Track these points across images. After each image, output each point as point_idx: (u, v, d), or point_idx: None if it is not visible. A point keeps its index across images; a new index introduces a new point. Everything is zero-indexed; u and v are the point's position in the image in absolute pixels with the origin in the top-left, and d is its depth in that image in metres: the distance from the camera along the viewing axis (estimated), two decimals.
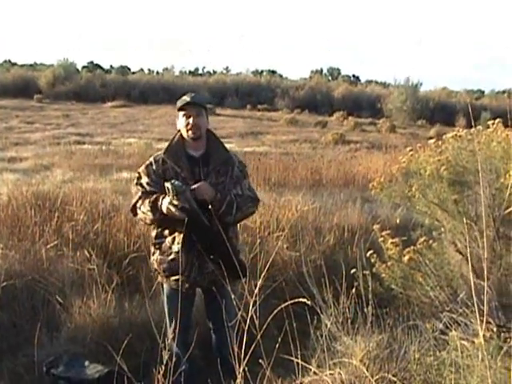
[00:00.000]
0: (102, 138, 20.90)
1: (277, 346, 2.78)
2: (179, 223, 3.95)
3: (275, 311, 2.68)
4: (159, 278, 4.39)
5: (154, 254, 4.30)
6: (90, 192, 8.13)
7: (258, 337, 2.46)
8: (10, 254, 5.70)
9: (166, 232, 4.18)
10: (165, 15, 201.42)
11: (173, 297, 4.20)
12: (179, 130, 4.31)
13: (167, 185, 3.85)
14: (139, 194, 4.17)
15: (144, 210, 4.07)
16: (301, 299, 2.57)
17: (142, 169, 4.28)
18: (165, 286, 4.36)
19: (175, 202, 3.84)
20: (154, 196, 4.04)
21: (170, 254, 4.14)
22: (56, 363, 4.20)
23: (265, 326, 2.53)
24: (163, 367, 2.87)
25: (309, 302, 2.65)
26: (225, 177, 4.21)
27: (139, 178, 4.25)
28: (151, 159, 4.29)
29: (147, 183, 4.19)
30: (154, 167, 4.21)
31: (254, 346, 2.50)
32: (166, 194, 3.95)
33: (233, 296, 3.20)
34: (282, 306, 2.68)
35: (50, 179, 11.17)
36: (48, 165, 13.74)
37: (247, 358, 2.47)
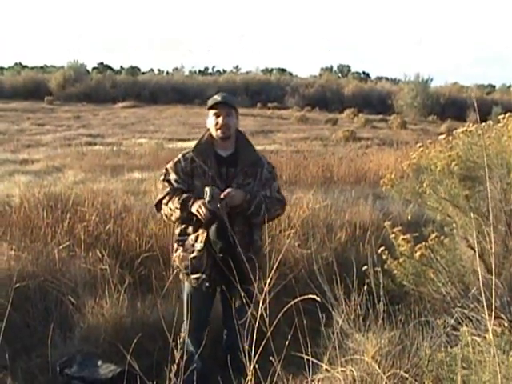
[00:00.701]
0: (113, 139, 20.93)
1: (287, 343, 2.78)
2: (203, 223, 4.01)
3: (285, 308, 2.68)
4: (180, 276, 4.40)
5: (176, 250, 4.32)
6: (102, 193, 8.14)
7: (268, 334, 2.47)
8: (23, 256, 5.72)
9: (190, 229, 4.19)
10: (172, 14, 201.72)
11: (193, 295, 4.23)
12: (208, 129, 4.31)
13: (207, 189, 3.91)
14: (167, 190, 4.19)
15: (172, 207, 4.09)
16: (311, 296, 2.57)
17: (170, 165, 4.29)
18: (186, 283, 4.35)
19: (208, 206, 3.90)
20: (185, 195, 4.07)
21: (193, 251, 4.16)
22: (69, 363, 4.22)
23: (275, 324, 2.54)
24: (175, 366, 2.88)
25: (319, 299, 2.64)
26: (252, 178, 4.22)
27: (167, 174, 4.27)
28: (180, 156, 4.29)
29: (175, 180, 4.20)
30: (183, 164, 4.22)
31: (264, 343, 2.50)
32: (195, 194, 4.03)
33: (242, 294, 3.20)
34: (292, 302, 2.68)
35: (61, 180, 11.19)
36: (59, 166, 13.77)
37: (258, 355, 2.48)
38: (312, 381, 2.80)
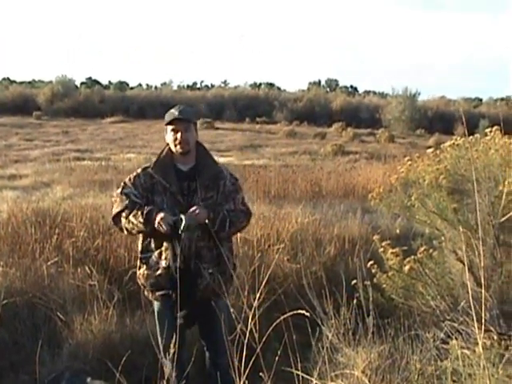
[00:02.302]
0: (101, 154, 20.90)
1: (277, 358, 2.77)
2: (167, 237, 3.97)
3: (275, 323, 2.67)
4: (145, 293, 4.33)
5: (139, 268, 4.24)
6: (90, 208, 8.10)
7: (258, 349, 2.46)
8: (11, 272, 5.69)
9: (152, 246, 4.12)
10: (160, 26, 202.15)
11: (163, 313, 4.16)
12: (168, 144, 4.25)
13: (182, 217, 3.85)
14: (125, 202, 4.08)
15: (135, 221, 3.98)
16: (300, 311, 2.56)
17: (128, 179, 4.20)
18: (155, 303, 4.30)
19: (179, 232, 3.86)
20: (148, 208, 3.97)
21: (158, 269, 4.09)
22: (58, 380, 4.19)
23: (265, 339, 2.53)
24: (165, 382, 2.87)
25: (308, 314, 2.63)
26: (214, 192, 4.15)
27: (125, 187, 4.17)
28: (139, 171, 4.23)
29: (134, 195, 4.11)
30: (142, 180, 4.15)
31: (254, 358, 2.49)
32: (155, 208, 3.97)
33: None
34: (282, 318, 2.67)
35: (49, 196, 11.15)
36: (48, 181, 13.74)
37: (247, 371, 2.47)
38: None
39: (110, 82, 69.16)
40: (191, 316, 4.11)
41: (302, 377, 2.73)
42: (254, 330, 2.48)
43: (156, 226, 3.90)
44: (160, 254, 4.09)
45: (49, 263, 5.88)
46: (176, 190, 4.08)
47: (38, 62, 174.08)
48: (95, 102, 45.13)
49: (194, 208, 3.95)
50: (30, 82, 64.51)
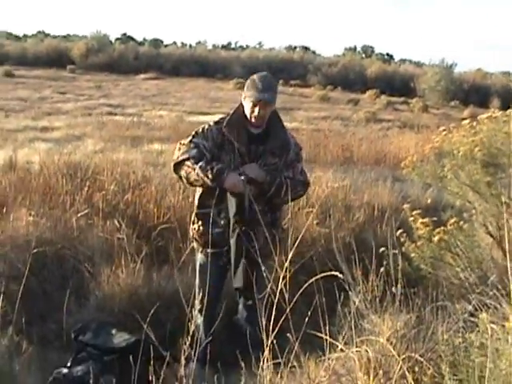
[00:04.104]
0: (133, 110, 20.94)
1: (306, 321, 2.77)
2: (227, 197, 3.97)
3: (305, 285, 2.67)
4: (195, 245, 4.34)
5: (194, 223, 4.23)
6: (121, 163, 8.16)
7: (288, 310, 2.46)
8: (41, 222, 5.74)
9: (211, 202, 4.01)
10: None
11: (207, 268, 4.08)
12: (241, 104, 4.14)
13: (233, 201, 3.93)
14: (193, 152, 4.01)
15: (201, 175, 3.90)
16: (331, 273, 2.55)
17: (201, 130, 4.12)
18: (199, 255, 4.30)
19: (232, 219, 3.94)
20: (218, 167, 3.90)
21: (216, 226, 4.09)
22: (84, 330, 4.23)
23: (294, 301, 2.53)
24: (189, 338, 2.88)
25: (340, 275, 2.62)
26: (279, 159, 4.12)
27: (195, 136, 4.10)
28: (211, 124, 4.15)
29: (204, 146, 4.03)
30: (214, 135, 4.08)
31: (282, 320, 2.50)
32: (226, 166, 3.96)
33: (263, 268, 3.17)
34: (312, 279, 2.67)
35: (81, 149, 11.26)
36: (80, 135, 13.84)
37: (275, 331, 2.47)
38: (327, 360, 2.80)
39: (144, 38, 69.14)
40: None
41: (328, 341, 2.74)
42: (284, 291, 2.48)
43: (227, 186, 3.89)
44: (219, 212, 4.07)
45: (79, 215, 5.92)
46: (244, 151, 4.05)
47: (73, 17, 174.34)
48: (129, 58, 45.00)
49: (250, 165, 3.99)
50: (64, 36, 64.59)
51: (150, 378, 2.95)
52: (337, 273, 2.57)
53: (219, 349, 4.12)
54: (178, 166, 4.07)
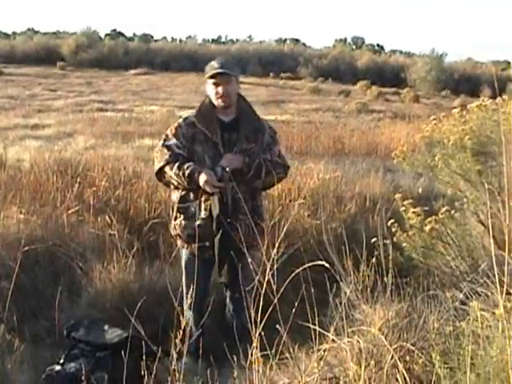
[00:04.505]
0: (124, 106, 20.93)
1: (294, 311, 2.76)
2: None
3: (293, 275, 2.66)
4: (179, 243, 4.34)
5: (176, 218, 4.23)
6: (112, 159, 8.16)
7: (275, 301, 2.45)
8: (32, 219, 5.73)
9: (191, 196, 4.10)
10: None
11: (192, 263, 4.06)
12: (208, 95, 4.22)
13: (215, 199, 3.94)
14: (166, 157, 4.06)
15: (179, 181, 4.00)
16: (319, 262, 2.54)
17: (170, 131, 4.19)
18: (184, 251, 4.30)
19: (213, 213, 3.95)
20: (191, 167, 3.95)
21: (197, 219, 4.08)
22: (76, 327, 4.21)
23: (282, 291, 2.52)
24: (181, 332, 2.87)
25: (327, 265, 2.61)
26: (254, 144, 4.14)
27: (166, 139, 4.15)
28: (180, 121, 4.22)
29: (176, 145, 4.09)
30: (184, 130, 4.13)
31: (271, 311, 2.49)
32: (195, 160, 4.00)
33: (249, 260, 3.16)
34: (300, 269, 2.66)
35: (72, 146, 11.23)
36: (71, 132, 13.79)
37: (263, 322, 2.47)
38: (318, 350, 2.79)
39: (134, 34, 68.85)
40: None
41: (319, 331, 2.73)
42: (272, 282, 2.47)
43: (202, 185, 3.91)
44: (200, 205, 4.08)
45: (69, 212, 5.89)
46: (217, 140, 4.06)
47: (62, 13, 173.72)
48: (119, 53, 44.92)
49: (227, 157, 3.99)
50: (54, 33, 64.24)
51: (142, 373, 2.94)
52: (323, 262, 2.55)
53: (211, 342, 4.10)
54: (160, 174, 4.14)
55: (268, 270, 2.48)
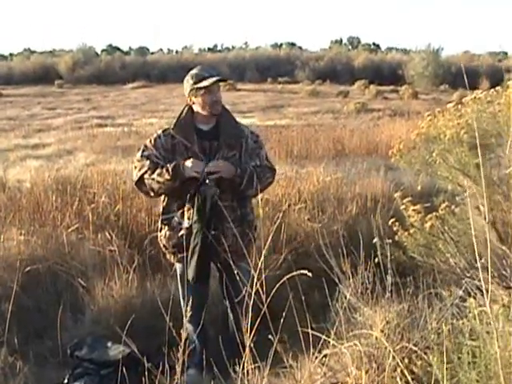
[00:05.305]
0: (123, 120, 20.90)
1: (287, 318, 2.74)
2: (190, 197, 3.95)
3: (280, 282, 2.63)
4: (167, 256, 4.34)
5: (161, 230, 4.23)
6: (111, 174, 8.12)
7: (264, 307, 2.43)
8: (32, 240, 5.74)
9: (174, 207, 4.10)
10: None
11: (186, 274, 4.13)
12: (187, 105, 4.21)
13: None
14: (146, 164, 4.04)
15: (161, 180, 3.94)
16: (303, 271, 2.52)
17: (149, 141, 4.17)
18: (177, 265, 4.30)
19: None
20: (172, 164, 3.93)
21: (180, 229, 4.08)
22: (80, 346, 4.22)
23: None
24: (183, 346, 2.85)
25: (310, 274, 2.57)
26: (236, 150, 4.13)
27: (145, 150, 4.14)
28: (159, 132, 4.20)
29: (155, 156, 4.08)
30: (163, 141, 4.12)
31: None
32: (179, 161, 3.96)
33: (235, 271, 3.14)
34: (285, 278, 2.64)
35: (72, 163, 11.24)
36: (71, 149, 13.81)
37: (254, 331, 2.44)
38: (319, 356, 2.76)
39: (130, 47, 69.06)
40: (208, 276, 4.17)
41: (320, 337, 2.70)
42: (260, 292, 2.45)
43: (188, 174, 3.88)
44: (182, 214, 4.08)
45: (69, 230, 5.90)
46: (197, 149, 4.05)
47: (58, 31, 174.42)
48: (116, 68, 44.97)
49: (217, 162, 3.97)
50: (50, 52, 64.41)
51: None
52: (305, 272, 2.52)
53: (215, 354, 4.08)
54: (140, 183, 4.11)
55: (256, 279, 2.45)
